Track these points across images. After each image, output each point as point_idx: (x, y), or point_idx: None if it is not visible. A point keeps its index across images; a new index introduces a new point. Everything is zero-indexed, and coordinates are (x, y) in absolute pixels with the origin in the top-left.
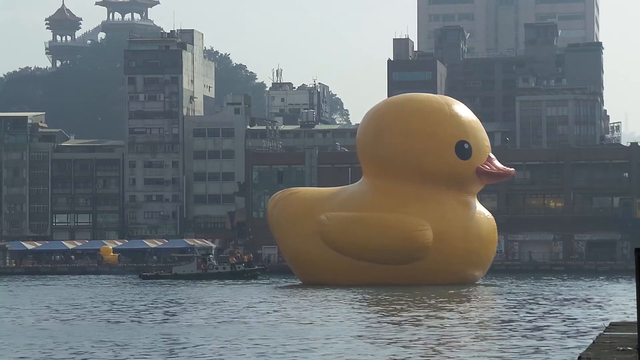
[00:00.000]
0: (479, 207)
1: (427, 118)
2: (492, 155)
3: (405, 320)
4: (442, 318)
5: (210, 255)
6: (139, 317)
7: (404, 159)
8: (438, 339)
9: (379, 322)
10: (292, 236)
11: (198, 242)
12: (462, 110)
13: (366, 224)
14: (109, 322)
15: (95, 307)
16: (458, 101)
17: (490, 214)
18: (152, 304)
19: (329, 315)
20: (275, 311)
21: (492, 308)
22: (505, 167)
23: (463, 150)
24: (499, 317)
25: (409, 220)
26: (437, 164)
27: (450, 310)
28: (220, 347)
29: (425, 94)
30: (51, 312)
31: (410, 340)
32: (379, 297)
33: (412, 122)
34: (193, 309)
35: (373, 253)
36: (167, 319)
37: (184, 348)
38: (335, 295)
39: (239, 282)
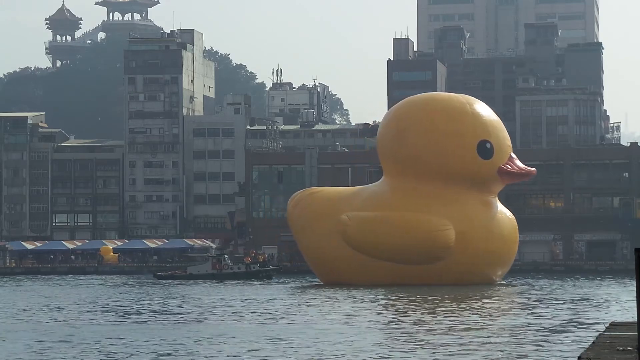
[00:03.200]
0: (500, 207)
1: (448, 117)
2: (513, 155)
3: (413, 321)
4: (446, 318)
5: (225, 255)
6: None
7: (426, 158)
8: (437, 339)
9: (399, 322)
10: (313, 236)
11: (198, 242)
12: (484, 110)
13: (388, 224)
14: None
15: (124, 306)
16: (479, 100)
17: (511, 214)
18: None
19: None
20: (302, 311)
21: (496, 308)
22: (526, 166)
23: (485, 149)
24: (499, 317)
25: (431, 220)
26: (459, 164)
27: (453, 311)
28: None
29: (447, 93)
30: (93, 313)
31: (412, 340)
32: (403, 297)
33: (434, 121)
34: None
35: (394, 253)
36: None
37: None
38: (359, 295)
39: (259, 283)
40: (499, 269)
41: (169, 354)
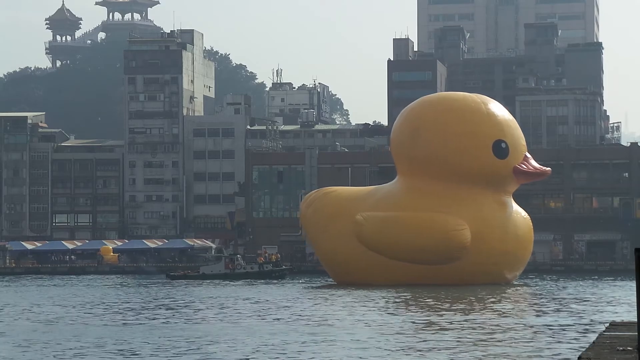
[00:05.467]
0: (515, 207)
1: (463, 117)
2: (528, 155)
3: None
4: (450, 318)
5: (238, 255)
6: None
7: (441, 158)
8: (438, 339)
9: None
10: (327, 236)
11: (198, 242)
12: (498, 109)
13: (403, 224)
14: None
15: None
16: (494, 100)
17: (526, 214)
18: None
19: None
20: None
21: (501, 308)
22: (542, 166)
23: (500, 149)
24: (502, 316)
25: (447, 220)
26: (474, 164)
27: (460, 311)
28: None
29: (462, 92)
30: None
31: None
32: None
33: (449, 121)
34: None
35: (410, 253)
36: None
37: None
38: (374, 295)
39: (274, 282)
40: (514, 269)
41: (190, 354)
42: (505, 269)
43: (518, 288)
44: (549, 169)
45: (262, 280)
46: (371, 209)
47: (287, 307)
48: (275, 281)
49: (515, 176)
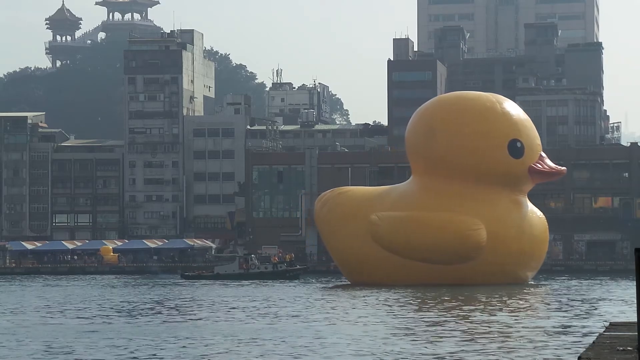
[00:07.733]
0: (531, 207)
1: (479, 117)
2: (543, 154)
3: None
4: (453, 318)
5: (252, 255)
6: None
7: (456, 158)
8: (438, 338)
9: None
10: (342, 236)
11: (198, 242)
12: (514, 109)
13: (419, 224)
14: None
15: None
16: (508, 99)
17: (541, 213)
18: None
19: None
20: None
21: (503, 308)
22: (557, 166)
23: (515, 149)
24: (499, 317)
25: (463, 219)
26: (489, 163)
27: (462, 311)
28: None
29: (476, 92)
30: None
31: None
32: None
33: (464, 121)
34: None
35: (426, 253)
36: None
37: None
38: (389, 296)
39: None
40: (530, 268)
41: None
42: (520, 268)
43: (532, 288)
44: (564, 168)
45: (278, 280)
46: (386, 208)
47: (304, 307)
48: (288, 281)
49: (530, 176)
